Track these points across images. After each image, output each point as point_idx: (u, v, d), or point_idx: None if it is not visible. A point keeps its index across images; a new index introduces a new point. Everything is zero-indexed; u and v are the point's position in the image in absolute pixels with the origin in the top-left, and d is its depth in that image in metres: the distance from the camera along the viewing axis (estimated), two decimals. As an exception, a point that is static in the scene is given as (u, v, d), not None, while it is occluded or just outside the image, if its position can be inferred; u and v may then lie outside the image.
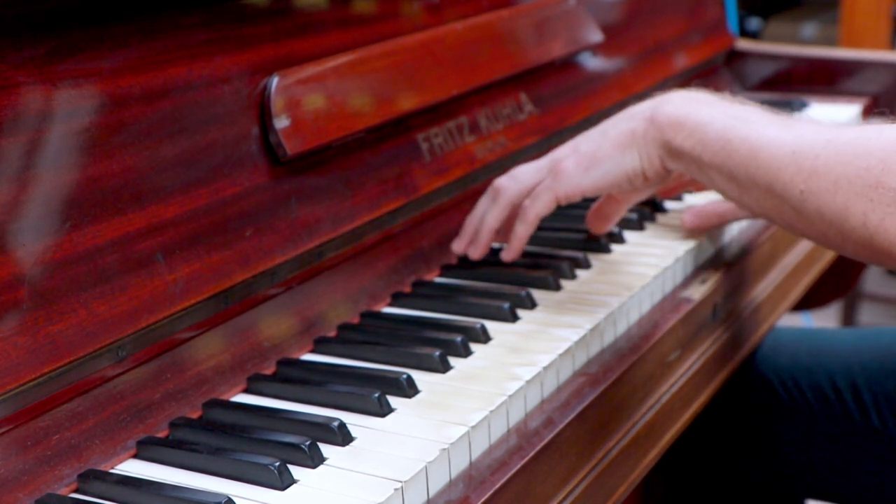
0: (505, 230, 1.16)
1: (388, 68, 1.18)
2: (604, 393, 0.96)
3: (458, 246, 1.18)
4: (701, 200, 1.40)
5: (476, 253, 1.15)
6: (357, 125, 1.12)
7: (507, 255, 1.15)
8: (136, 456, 0.86)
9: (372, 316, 1.08)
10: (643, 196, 1.17)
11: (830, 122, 1.29)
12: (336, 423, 0.85)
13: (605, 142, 1.08)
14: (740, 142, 0.98)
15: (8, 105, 0.83)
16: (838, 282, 1.80)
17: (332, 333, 1.05)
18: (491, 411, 0.88)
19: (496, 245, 1.26)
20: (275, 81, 1.04)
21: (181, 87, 0.97)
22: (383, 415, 0.88)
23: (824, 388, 1.38)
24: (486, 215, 1.14)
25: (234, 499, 0.77)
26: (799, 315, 2.98)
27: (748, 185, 0.98)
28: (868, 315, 3.17)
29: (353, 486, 0.79)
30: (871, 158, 0.87)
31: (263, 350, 0.99)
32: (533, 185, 1.12)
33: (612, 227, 1.20)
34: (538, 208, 1.11)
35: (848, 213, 0.89)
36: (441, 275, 1.18)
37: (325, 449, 0.83)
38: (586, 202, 1.34)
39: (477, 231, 1.16)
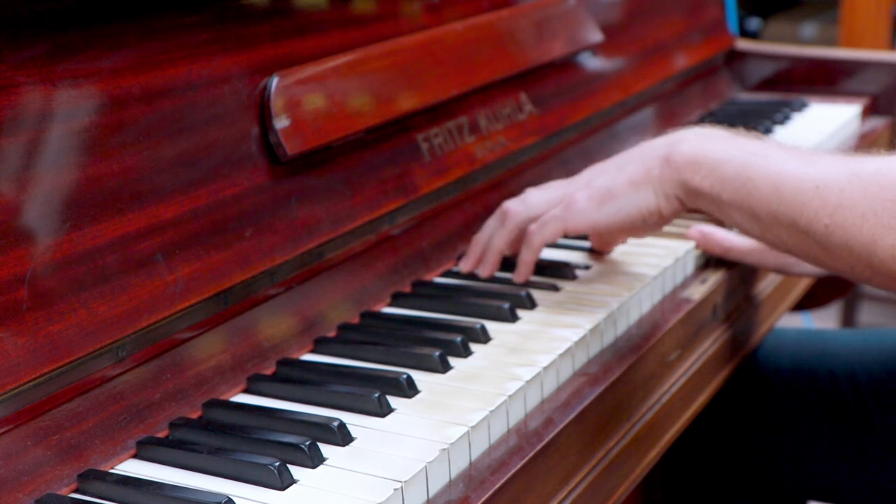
0: (512, 251, 1.16)
1: (388, 68, 1.18)
2: (604, 393, 0.96)
3: (465, 265, 1.17)
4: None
5: (485, 272, 1.15)
6: (357, 125, 1.12)
7: (518, 277, 1.13)
8: (136, 456, 0.86)
9: (372, 316, 1.08)
10: (652, 231, 1.14)
11: (846, 146, 1.31)
12: (336, 423, 0.85)
13: (621, 177, 1.07)
14: (761, 178, 0.97)
15: (8, 105, 0.83)
16: (838, 282, 1.79)
17: (332, 333, 1.05)
18: (491, 411, 0.88)
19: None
20: (275, 81, 1.04)
21: (181, 87, 0.97)
22: (383, 415, 0.88)
23: (827, 388, 1.38)
24: (493, 237, 1.14)
25: (234, 499, 0.77)
26: (799, 315, 2.98)
27: (771, 222, 0.97)
28: (868, 315, 3.17)
29: (353, 486, 0.79)
30: None
31: (263, 350, 0.99)
32: (541, 210, 1.11)
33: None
34: (545, 235, 1.09)
35: (876, 247, 0.88)
36: (441, 275, 1.18)
37: (325, 449, 0.83)
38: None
39: (484, 252, 1.15)
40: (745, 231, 1.01)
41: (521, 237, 1.13)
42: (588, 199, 1.07)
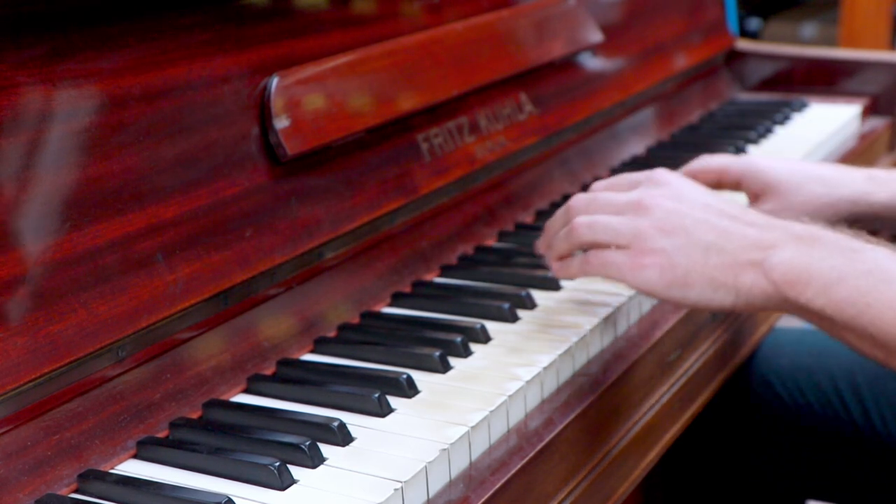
0: None
1: (388, 68, 1.18)
2: (604, 393, 0.96)
3: (539, 246, 1.09)
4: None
5: (553, 266, 1.05)
6: (357, 125, 1.12)
7: (559, 273, 1.05)
8: (136, 456, 0.86)
9: (372, 316, 1.08)
10: None
11: None
12: (336, 423, 0.85)
13: (702, 268, 0.94)
14: (884, 307, 0.87)
15: (8, 105, 0.83)
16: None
17: (332, 333, 1.05)
18: (491, 411, 0.88)
19: (496, 245, 1.26)
20: (275, 81, 1.04)
21: (181, 87, 0.97)
22: (383, 415, 0.88)
23: (825, 388, 1.38)
24: (556, 243, 1.04)
25: (234, 499, 0.77)
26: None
27: None
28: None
29: (353, 486, 0.79)
30: None
31: (263, 350, 0.99)
32: (607, 240, 0.99)
33: None
34: (600, 273, 0.99)
35: None
36: (441, 275, 1.18)
37: (325, 449, 0.83)
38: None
39: (549, 250, 1.06)
40: (863, 354, 0.92)
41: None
42: (659, 274, 0.95)
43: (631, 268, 0.96)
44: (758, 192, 1.20)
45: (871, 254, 0.91)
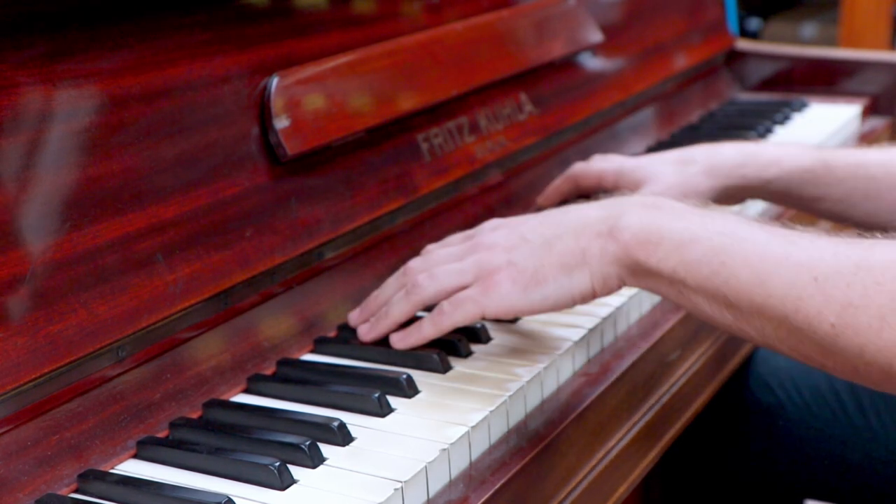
0: None
1: (388, 68, 1.18)
2: (604, 393, 0.96)
3: (355, 319, 1.04)
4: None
5: (369, 336, 1.00)
6: (357, 125, 1.12)
7: (399, 342, 0.98)
8: (136, 456, 0.86)
9: (372, 316, 1.08)
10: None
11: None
12: (336, 423, 0.85)
13: (549, 258, 0.93)
14: (739, 265, 0.84)
15: (8, 105, 0.83)
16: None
17: (332, 333, 1.05)
18: (491, 411, 0.88)
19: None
20: (275, 81, 1.04)
21: (181, 87, 0.97)
22: (383, 415, 0.88)
23: (822, 389, 1.38)
24: (394, 307, 0.99)
25: (234, 499, 0.77)
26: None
27: (752, 314, 0.84)
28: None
29: (353, 486, 0.79)
30: None
31: (263, 350, 0.99)
32: (453, 289, 0.96)
33: None
34: (457, 320, 0.95)
35: None
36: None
37: (325, 449, 0.83)
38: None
39: (378, 316, 1.01)
40: (711, 320, 0.87)
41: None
42: (511, 284, 0.93)
43: (483, 292, 0.94)
44: (634, 189, 1.21)
45: (721, 217, 0.89)
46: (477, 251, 0.97)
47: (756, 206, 1.36)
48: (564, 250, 0.92)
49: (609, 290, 0.93)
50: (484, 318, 0.95)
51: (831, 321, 0.79)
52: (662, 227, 0.88)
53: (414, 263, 1.01)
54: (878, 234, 0.83)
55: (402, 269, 1.02)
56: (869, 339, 0.77)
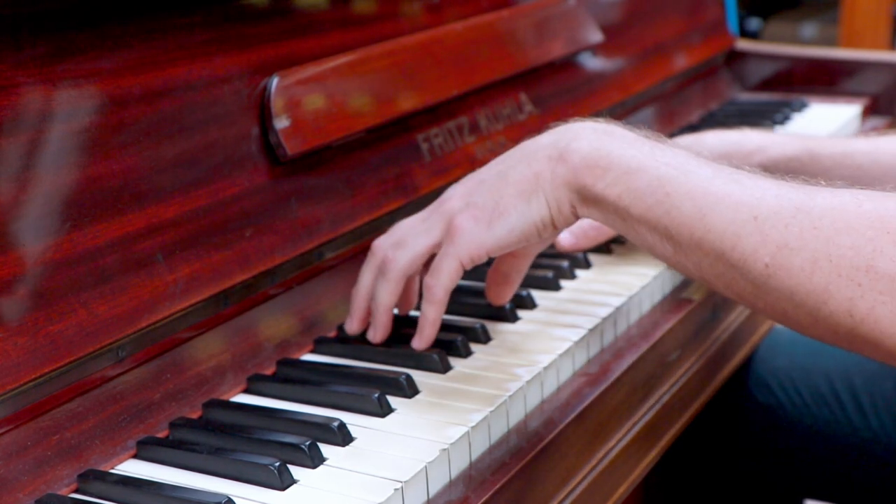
0: (401, 303, 1.03)
1: (388, 68, 1.18)
2: (604, 393, 0.96)
3: (351, 326, 1.02)
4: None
5: (378, 337, 0.99)
6: (357, 125, 1.12)
7: (420, 343, 0.97)
8: (136, 456, 0.86)
9: (372, 316, 1.08)
10: (544, 246, 1.01)
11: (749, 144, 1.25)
12: (336, 423, 0.85)
13: (506, 189, 0.92)
14: (682, 197, 0.83)
15: (8, 105, 0.83)
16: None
17: (332, 333, 1.05)
18: (491, 411, 0.88)
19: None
20: (275, 81, 1.04)
21: (181, 87, 0.97)
22: (383, 415, 0.88)
23: (822, 389, 1.38)
24: (378, 294, 0.98)
25: (234, 499, 0.77)
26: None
27: (690, 247, 0.83)
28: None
29: (353, 487, 0.79)
30: (857, 236, 0.75)
31: (263, 350, 0.99)
32: (425, 250, 0.96)
33: (514, 291, 1.04)
34: (445, 283, 0.94)
35: (828, 297, 0.76)
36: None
37: (325, 449, 0.83)
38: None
39: (372, 312, 0.99)
40: (652, 251, 0.87)
41: (408, 285, 1.00)
42: (475, 221, 0.92)
43: (451, 241, 0.93)
44: None
45: (671, 150, 0.88)
46: (437, 208, 0.96)
47: None
48: (519, 178, 0.91)
49: (565, 218, 0.91)
50: (464, 268, 0.93)
51: (766, 261, 0.79)
52: (612, 153, 0.87)
53: (379, 241, 0.99)
54: (822, 182, 0.83)
55: (369, 252, 1.00)
56: (800, 282, 0.77)
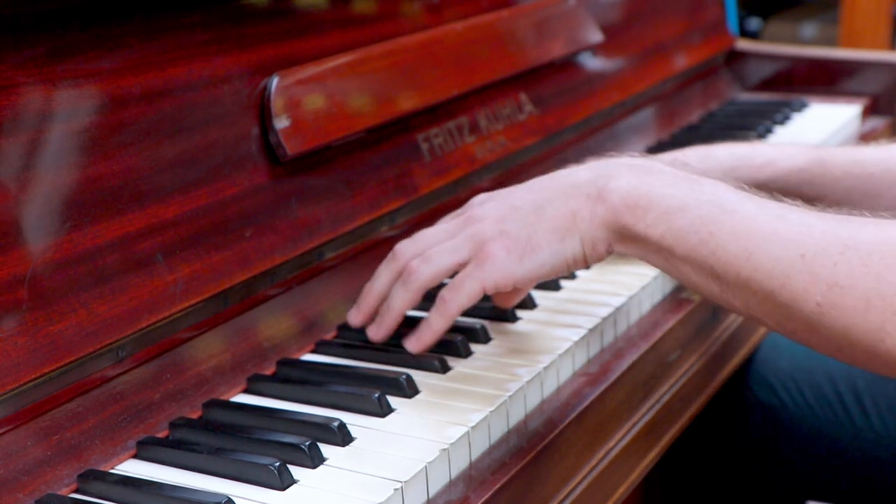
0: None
1: (388, 68, 1.18)
2: (604, 393, 0.96)
3: (354, 318, 1.01)
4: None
5: (379, 336, 0.98)
6: (357, 125, 1.12)
7: (414, 346, 0.96)
8: (136, 456, 0.86)
9: (372, 316, 1.08)
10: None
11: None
12: (336, 424, 0.85)
13: (541, 224, 0.91)
14: (726, 236, 0.83)
15: (8, 105, 0.83)
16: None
17: (332, 334, 1.05)
18: (491, 411, 0.88)
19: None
20: (275, 82, 1.04)
21: (181, 87, 0.97)
22: (383, 415, 0.88)
23: (824, 389, 1.38)
24: (393, 299, 0.97)
25: (234, 499, 0.77)
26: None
27: (738, 286, 0.83)
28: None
29: (353, 487, 0.79)
30: None
31: (263, 350, 0.99)
32: (450, 267, 0.94)
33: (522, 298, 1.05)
34: (462, 301, 0.93)
35: (885, 335, 0.75)
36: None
37: (325, 449, 0.83)
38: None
39: (382, 312, 0.99)
40: (697, 289, 0.87)
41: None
42: (507, 253, 0.91)
43: (479, 266, 0.92)
44: None
45: (711, 186, 0.88)
46: (468, 226, 0.95)
47: None
48: (555, 215, 0.91)
49: (598, 256, 0.92)
50: (485, 293, 0.93)
51: (817, 300, 0.78)
52: (651, 192, 0.87)
53: (403, 247, 0.98)
54: (867, 213, 0.82)
55: (390, 254, 0.99)
56: (854, 321, 0.77)
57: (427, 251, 0.96)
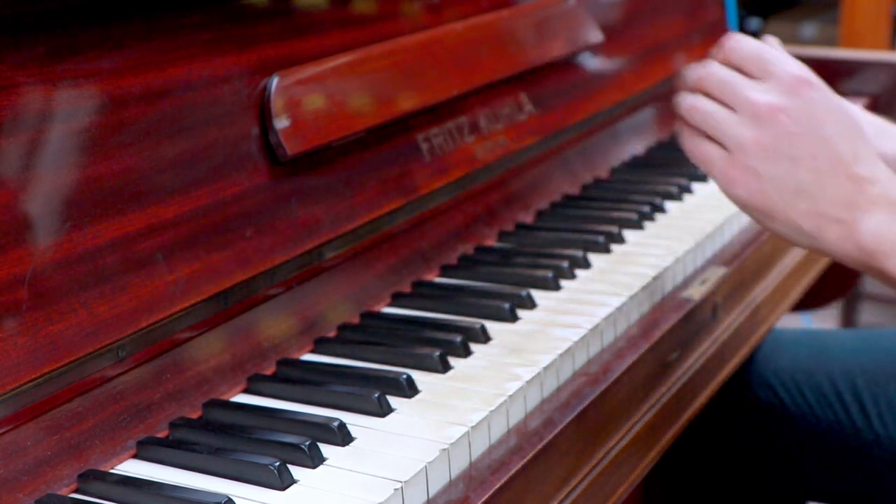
0: None
1: (388, 68, 1.18)
2: (604, 393, 0.96)
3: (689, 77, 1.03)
4: (706, 194, 1.40)
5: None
6: (357, 125, 1.12)
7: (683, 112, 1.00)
8: (136, 456, 0.86)
9: (372, 316, 1.08)
10: None
11: None
12: (336, 423, 0.85)
13: (790, 210, 0.93)
14: None
15: (8, 105, 0.83)
16: (838, 282, 1.80)
17: (332, 333, 1.05)
18: (491, 411, 0.88)
19: (497, 245, 1.26)
20: (275, 81, 1.04)
21: (181, 87, 0.97)
22: (383, 415, 0.88)
23: (825, 389, 1.38)
24: (683, 96, 1.01)
25: (234, 499, 0.77)
26: (799, 315, 2.98)
27: None
28: (868, 315, 3.17)
29: (353, 487, 0.79)
30: None
31: (263, 350, 0.99)
32: (709, 133, 0.97)
33: None
34: (691, 154, 0.99)
35: None
36: (441, 275, 1.18)
37: (325, 449, 0.83)
38: (593, 203, 1.35)
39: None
40: None
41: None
42: (748, 195, 0.95)
43: (721, 173, 0.96)
44: None
45: None
46: (752, 120, 0.95)
47: None
48: (805, 213, 0.93)
49: (824, 256, 0.93)
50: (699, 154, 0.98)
51: None
52: None
53: (709, 77, 0.99)
54: None
55: (705, 70, 1.00)
56: None
57: (704, 106, 0.98)
